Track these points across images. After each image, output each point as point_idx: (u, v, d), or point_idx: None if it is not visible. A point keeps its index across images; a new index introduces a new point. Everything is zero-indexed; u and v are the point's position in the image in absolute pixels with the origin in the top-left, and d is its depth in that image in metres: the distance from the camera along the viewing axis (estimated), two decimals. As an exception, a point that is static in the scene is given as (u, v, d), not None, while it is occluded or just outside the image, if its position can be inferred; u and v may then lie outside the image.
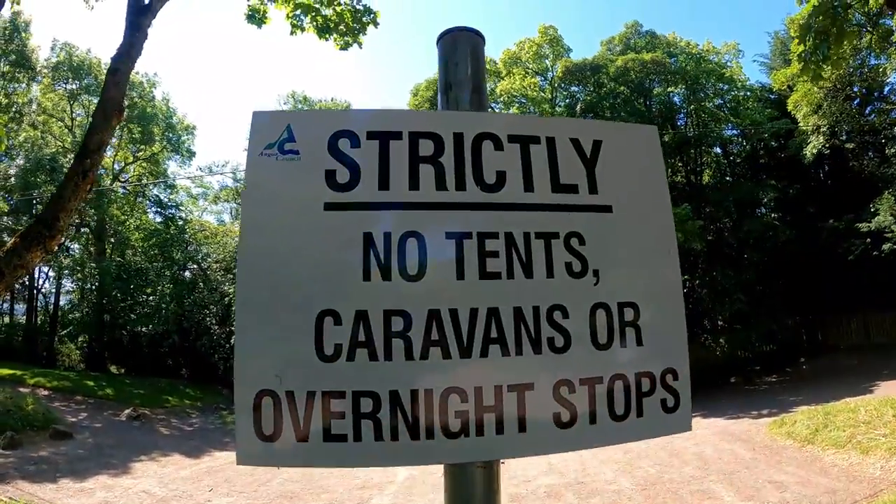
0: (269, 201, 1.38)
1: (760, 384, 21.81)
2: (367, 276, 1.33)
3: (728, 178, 28.82)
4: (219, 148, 73.61)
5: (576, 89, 26.29)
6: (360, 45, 9.81)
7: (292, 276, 1.33)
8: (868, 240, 21.29)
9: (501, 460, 1.41)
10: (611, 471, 10.32)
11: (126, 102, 27.86)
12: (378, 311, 1.31)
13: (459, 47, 1.60)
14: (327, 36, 9.71)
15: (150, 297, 30.01)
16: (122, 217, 31.14)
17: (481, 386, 1.31)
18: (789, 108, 23.19)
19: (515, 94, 23.55)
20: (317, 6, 9.59)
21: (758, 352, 24.79)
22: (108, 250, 30.69)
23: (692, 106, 25.83)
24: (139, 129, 31.05)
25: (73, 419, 17.00)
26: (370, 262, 1.34)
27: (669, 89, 25.34)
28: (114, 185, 31.55)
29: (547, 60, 26.75)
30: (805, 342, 24.70)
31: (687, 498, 8.48)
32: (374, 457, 1.28)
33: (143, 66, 38.20)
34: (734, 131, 27.54)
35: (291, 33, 9.73)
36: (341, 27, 9.65)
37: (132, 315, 29.26)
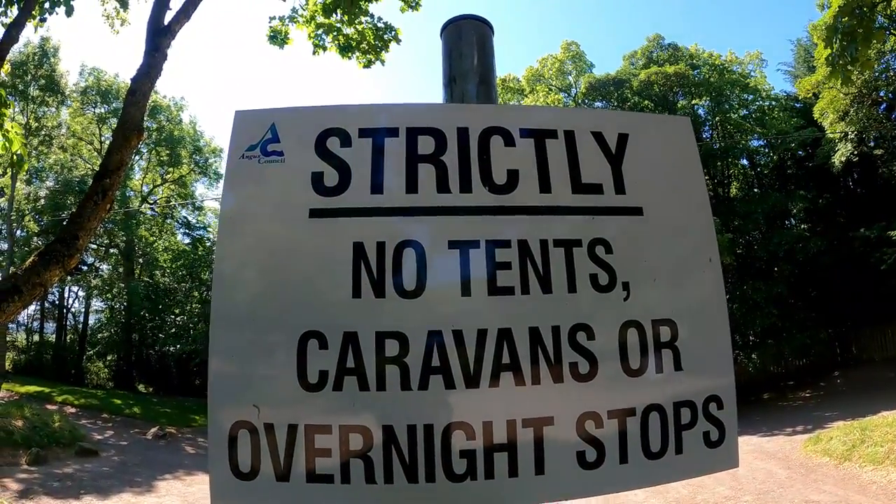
0: (249, 209, 1.23)
1: (794, 400, 21.39)
2: (357, 292, 1.16)
3: (756, 190, 28.38)
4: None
5: (600, 105, 26.30)
6: (382, 62, 9.81)
7: (273, 292, 1.17)
8: None
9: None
10: (642, 491, 9.88)
11: (154, 125, 28.62)
12: (369, 333, 1.14)
13: (465, 37, 1.45)
14: (349, 55, 9.72)
15: (179, 317, 30.38)
16: (151, 238, 31.71)
17: (491, 420, 1.12)
18: (815, 115, 22.96)
19: (539, 111, 23.55)
20: (338, 26, 9.61)
21: (791, 366, 24.37)
22: (137, 271, 31.23)
23: (717, 118, 25.58)
24: (167, 151, 31.66)
25: (100, 437, 17.14)
26: (360, 277, 1.16)
27: (694, 102, 25.17)
28: (142, 207, 32.16)
29: (570, 77, 26.75)
30: (839, 355, 24.13)
31: None
32: (364, 502, 1.10)
33: (170, 90, 39.10)
34: (760, 142, 27.20)
35: (314, 53, 9.77)
36: (363, 45, 9.66)
37: (160, 334, 29.65)
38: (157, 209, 33.64)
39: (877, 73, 22.14)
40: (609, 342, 1.20)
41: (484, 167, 1.26)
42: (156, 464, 14.51)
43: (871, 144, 23.84)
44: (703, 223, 1.34)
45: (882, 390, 17.36)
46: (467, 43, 1.44)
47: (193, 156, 33.80)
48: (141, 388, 29.32)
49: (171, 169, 32.95)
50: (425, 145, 1.26)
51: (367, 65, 9.80)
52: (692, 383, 1.24)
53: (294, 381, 1.11)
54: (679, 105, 25.62)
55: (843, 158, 22.91)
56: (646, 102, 24.23)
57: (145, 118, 7.80)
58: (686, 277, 1.30)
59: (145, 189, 33.58)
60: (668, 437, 1.20)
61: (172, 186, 33.83)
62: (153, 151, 31.27)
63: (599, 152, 1.32)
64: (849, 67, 7.62)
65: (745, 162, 28.58)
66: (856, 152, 23.00)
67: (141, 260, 31.78)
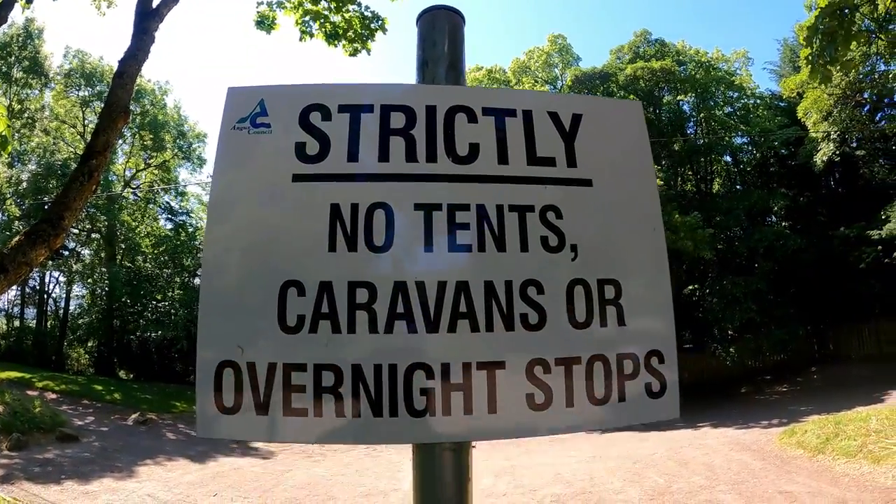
0: (239, 172, 1.37)
1: (771, 394, 21.64)
2: (333, 246, 1.30)
3: (738, 187, 28.78)
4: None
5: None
6: (368, 51, 9.82)
7: (258, 245, 1.32)
8: (879, 247, 21.15)
9: (473, 443, 1.35)
10: (619, 480, 10.27)
11: (138, 109, 28.30)
12: (342, 283, 1.28)
13: (437, 25, 1.57)
14: (336, 42, 9.73)
15: (160, 303, 30.16)
16: (133, 223, 31.39)
17: (449, 363, 1.26)
18: (799, 115, 23.25)
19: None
20: (325, 13, 9.62)
21: (768, 361, 24.61)
22: (119, 256, 30.92)
23: (702, 114, 25.88)
24: (150, 136, 31.32)
25: (80, 422, 17.02)
26: (336, 233, 1.31)
27: (679, 97, 25.39)
28: (125, 192, 31.81)
29: (556, 69, 26.83)
30: (816, 351, 24.53)
31: None
32: (334, 433, 1.24)
33: (155, 74, 38.65)
34: (744, 139, 27.47)
35: (300, 40, 9.78)
36: (350, 34, 9.68)
37: (141, 320, 29.43)
38: (139, 194, 33.26)
39: (861, 75, 22.45)
40: (557, 297, 1.34)
41: (448, 140, 1.40)
42: (136, 449, 14.49)
43: (854, 145, 24.30)
44: (648, 196, 1.50)
45: (857, 387, 17.69)
46: (440, 31, 1.56)
47: (177, 140, 33.46)
48: (122, 374, 29.12)
49: (154, 153, 32.61)
50: (397, 120, 1.40)
51: (353, 53, 9.81)
52: (634, 338, 1.37)
53: (274, 325, 1.25)
54: (664, 100, 25.80)
55: (824, 158, 23.31)
56: (631, 97, 24.36)
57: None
58: (630, 243, 1.44)
59: (128, 173, 33.16)
60: (611, 385, 1.33)
61: (155, 171, 33.46)
62: (137, 135, 30.91)
63: (554, 130, 1.47)
64: (828, 67, 7.80)
65: (728, 159, 28.92)
66: (838, 152, 23.38)
67: (123, 245, 31.41)
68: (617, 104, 1.68)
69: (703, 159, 27.17)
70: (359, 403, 1.23)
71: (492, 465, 12.36)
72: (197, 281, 32.03)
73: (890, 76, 22.27)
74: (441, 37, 1.56)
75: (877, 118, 24.49)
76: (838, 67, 7.93)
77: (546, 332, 1.32)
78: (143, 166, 33.34)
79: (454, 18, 1.58)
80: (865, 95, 23.52)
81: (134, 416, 18.42)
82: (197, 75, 70.58)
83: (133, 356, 29.85)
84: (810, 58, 7.83)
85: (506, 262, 1.34)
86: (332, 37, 9.69)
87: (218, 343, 1.26)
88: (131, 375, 28.97)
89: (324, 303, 1.26)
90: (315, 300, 1.26)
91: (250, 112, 1.39)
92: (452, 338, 1.27)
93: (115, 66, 6.89)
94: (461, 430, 1.26)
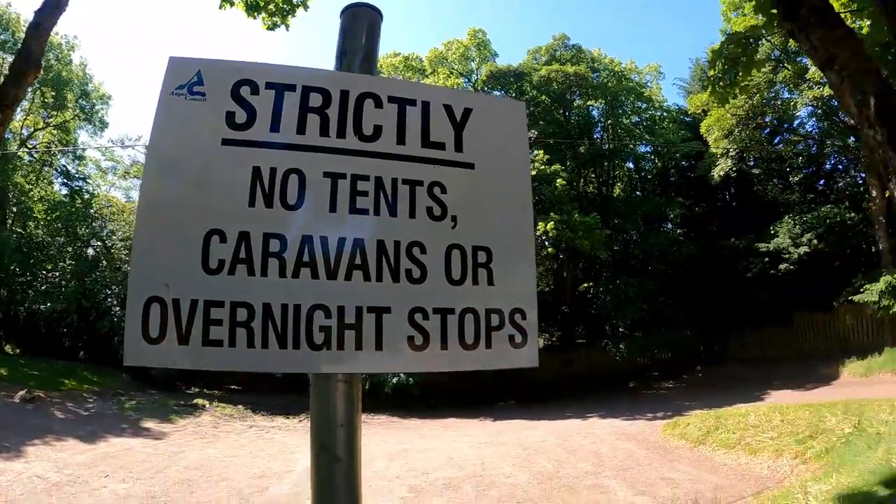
0: (175, 133, 1.56)
1: (658, 389, 22.39)
2: (253, 203, 1.52)
3: (638, 193, 29.90)
4: (133, 122, 69.18)
5: (498, 94, 26.91)
6: (287, 27, 9.60)
7: (188, 197, 1.51)
8: (766, 259, 22.53)
9: (362, 375, 1.62)
10: (509, 465, 10.54)
11: (42, 63, 26.23)
12: (259, 234, 1.50)
13: (358, 20, 1.81)
14: (255, 14, 9.49)
15: (51, 273, 28.20)
16: (27, 186, 29.13)
17: (344, 305, 1.51)
18: (702, 131, 24.44)
19: (437, 93, 23.62)
20: (250, -20, 9.40)
21: (657, 359, 25.66)
22: (10, 220, 28.66)
23: (609, 121, 26.78)
24: (52, 93, 29.16)
25: (-39, 399, 15.87)
26: (256, 192, 1.53)
27: (589, 102, 26.06)
28: (20, 151, 29.51)
29: (473, 63, 27.05)
30: (702, 352, 25.62)
31: (582, 492, 8.68)
32: (246, 361, 1.46)
33: (63, 27, 35.96)
34: (647, 148, 28.71)
35: (220, 7, 9.51)
36: (271, 6, 9.50)
37: (30, 291, 27.41)
38: (35, 155, 30.92)
39: (765, 100, 23.98)
40: (437, 257, 1.62)
41: (357, 121, 1.65)
42: (24, 428, 13.60)
43: (751, 163, 25.77)
44: (522, 181, 1.81)
45: (739, 386, 18.46)
46: (359, 26, 1.80)
47: (80, 100, 31.24)
48: (8, 348, 27.08)
49: (54, 112, 30.32)
50: (315, 100, 1.64)
51: (272, 27, 9.50)
52: (501, 296, 1.66)
53: (198, 267, 1.46)
54: (575, 104, 26.42)
55: (721, 173, 24.63)
56: (543, 97, 24.90)
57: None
58: (503, 218, 1.74)
59: (25, 132, 30.62)
60: (479, 334, 1.62)
61: (54, 131, 31.09)
62: (38, 92, 28.65)
63: (447, 120, 1.75)
64: (727, 89, 8.34)
65: (630, 165, 30.07)
66: (735, 168, 24.80)
67: (14, 209, 29.13)
68: (503, 103, 2.01)
69: (606, 164, 28.03)
70: (267, 336, 1.45)
71: (386, 448, 12.50)
72: (91, 252, 30.26)
73: (791, 104, 24.02)
74: (360, 31, 1.81)
75: (775, 140, 26.16)
76: (737, 91, 8.49)
77: (426, 286, 1.59)
78: (41, 125, 30.96)
79: (373, 15, 1.83)
80: (767, 119, 25.04)
81: (21, 393, 17.27)
82: (105, 34, 66.11)
83: (21, 329, 27.78)
84: (712, 79, 8.40)
85: (396, 226, 1.61)
86: (253, 8, 9.41)
87: (148, 280, 1.44)
88: (18, 350, 27.00)
89: (242, 250, 1.48)
90: (234, 247, 1.48)
91: (188, 80, 1.58)
92: (348, 285, 1.53)
93: (24, 14, 6.58)
94: (352, 363, 1.52)
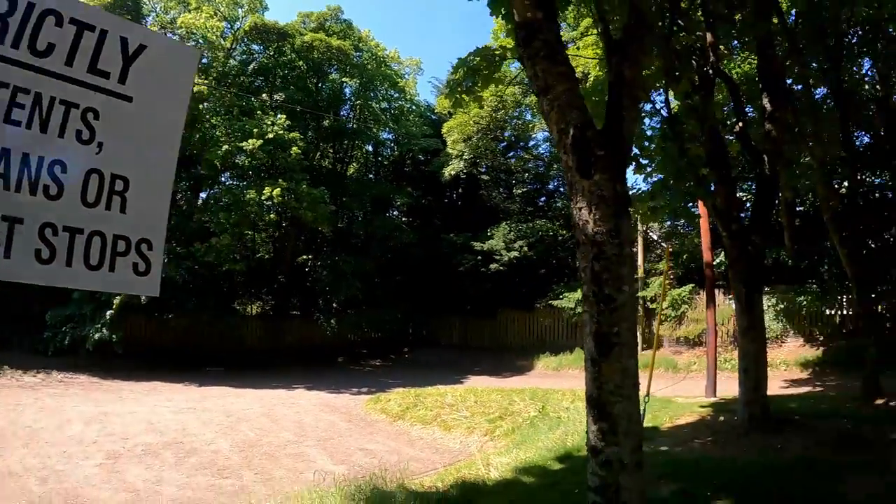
0: None
1: (365, 366, 23.36)
2: None
3: (371, 176, 30.73)
4: None
5: (256, 48, 25.40)
6: None
7: None
8: (479, 257, 24.70)
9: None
10: (211, 432, 10.41)
11: None
12: None
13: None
14: None
15: None
16: None
17: None
18: (443, 131, 25.93)
19: (195, 31, 21.40)
20: None
21: (367, 337, 26.61)
22: None
23: (360, 101, 26.86)
24: None
25: None
26: None
27: (344, 79, 25.72)
28: None
29: (241, 10, 25.15)
30: (411, 335, 27.24)
31: (283, 460, 8.91)
32: None
33: None
34: (390, 136, 29.52)
35: None
36: None
37: None
38: None
39: (508, 118, 26.53)
40: (76, 178, 1.66)
41: (34, 35, 1.62)
42: None
43: (482, 170, 27.93)
44: (175, 123, 1.90)
45: (442, 369, 20.49)
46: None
47: None
48: None
49: None
50: (2, 5, 1.58)
51: None
52: (131, 225, 1.75)
53: None
54: (330, 77, 26.16)
55: (453, 172, 26.39)
56: (300, 63, 24.23)
57: None
58: (148, 154, 1.81)
59: None
60: (105, 257, 1.69)
61: None
62: None
63: (119, 52, 1.77)
64: (463, 96, 8.90)
65: (370, 148, 30.61)
66: (466, 171, 26.74)
67: None
68: (179, 48, 2.06)
69: (347, 142, 28.24)
70: None
71: (83, 411, 11.66)
72: None
73: (530, 126, 26.88)
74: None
75: (509, 154, 28.79)
76: (471, 99, 9.10)
77: (61, 203, 1.63)
78: None
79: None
80: (507, 134, 27.64)
81: None
82: None
83: None
84: (452, 83, 8.90)
85: (43, 142, 1.62)
86: None
87: None
88: None
89: None
90: None
91: None
92: None
93: None
94: None
